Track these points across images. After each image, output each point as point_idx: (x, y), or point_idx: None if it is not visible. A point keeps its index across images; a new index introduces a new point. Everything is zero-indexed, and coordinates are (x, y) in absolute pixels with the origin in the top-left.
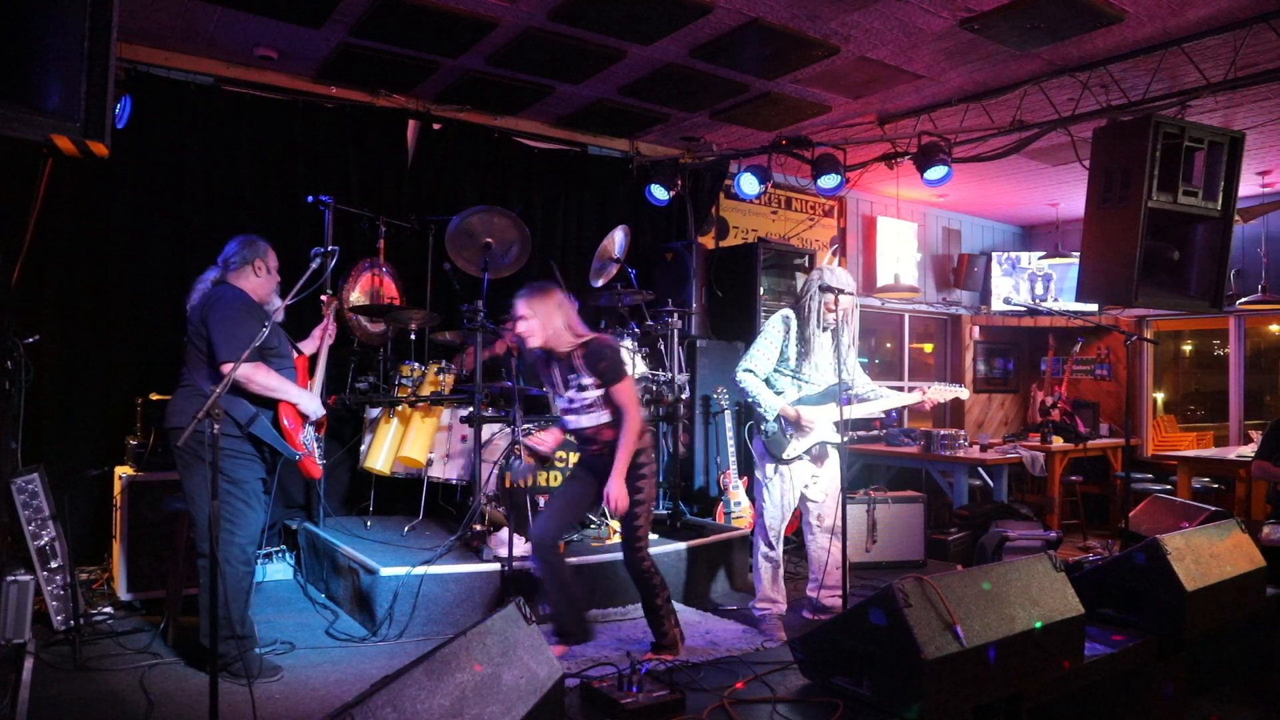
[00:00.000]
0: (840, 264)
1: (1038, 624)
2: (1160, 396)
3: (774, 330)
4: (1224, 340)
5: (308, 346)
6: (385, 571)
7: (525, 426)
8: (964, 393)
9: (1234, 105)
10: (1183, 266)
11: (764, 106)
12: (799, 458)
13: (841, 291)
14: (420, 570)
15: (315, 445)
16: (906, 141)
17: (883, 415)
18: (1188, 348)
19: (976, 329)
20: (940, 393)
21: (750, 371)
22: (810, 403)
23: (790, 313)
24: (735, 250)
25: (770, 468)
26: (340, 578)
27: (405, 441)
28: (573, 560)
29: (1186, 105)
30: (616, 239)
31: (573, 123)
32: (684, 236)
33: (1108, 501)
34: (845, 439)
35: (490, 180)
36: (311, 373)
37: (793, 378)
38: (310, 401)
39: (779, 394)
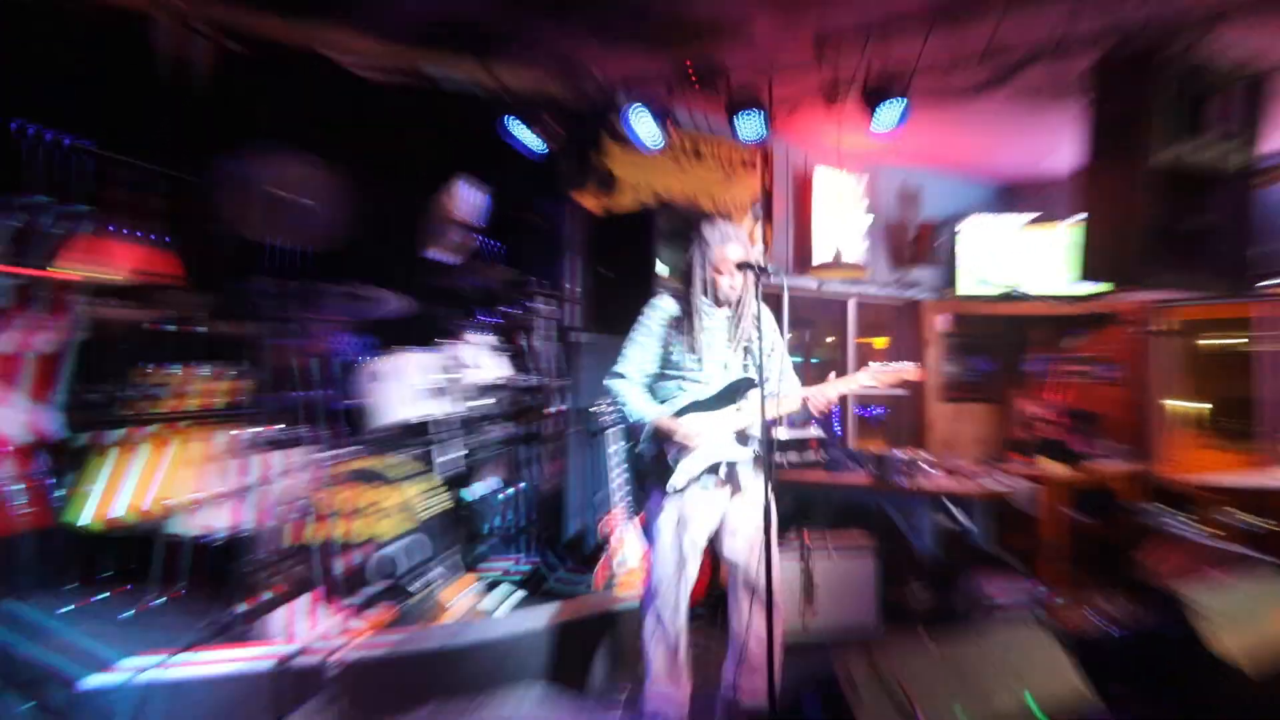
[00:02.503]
0: (766, 234)
1: (1033, 705)
2: (1185, 405)
3: (649, 321)
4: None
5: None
6: (97, 680)
7: (335, 453)
8: (911, 371)
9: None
10: (1205, 238)
11: (665, 25)
12: (693, 485)
13: (732, 243)
14: (149, 676)
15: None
16: (851, 71)
17: (818, 432)
18: (1215, 341)
19: (942, 319)
20: (881, 375)
21: (621, 376)
22: (701, 408)
23: (666, 297)
24: (627, 215)
25: (658, 504)
26: (25, 691)
27: (153, 480)
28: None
29: (1211, 31)
30: (459, 194)
31: (413, 40)
32: (559, 196)
33: (1116, 545)
34: (759, 452)
35: (297, 117)
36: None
37: (679, 380)
38: None
39: (663, 403)
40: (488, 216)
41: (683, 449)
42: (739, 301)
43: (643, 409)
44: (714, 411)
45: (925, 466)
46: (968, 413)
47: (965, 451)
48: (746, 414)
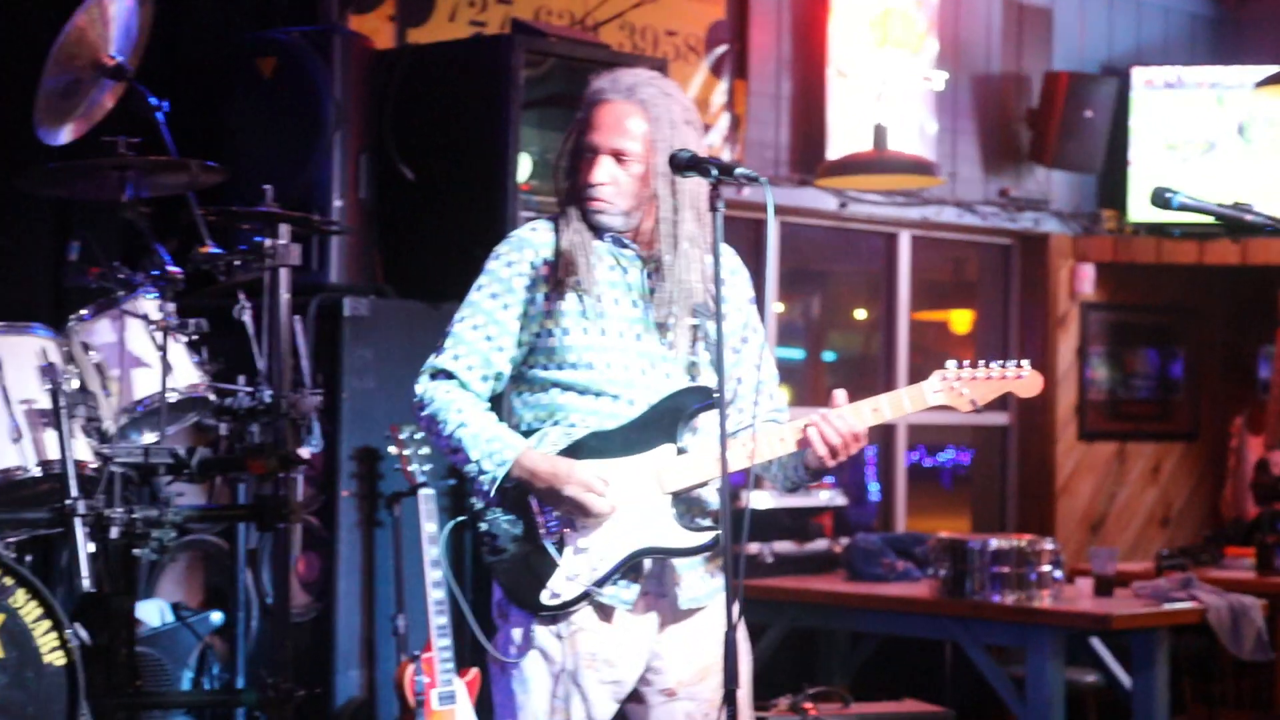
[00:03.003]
0: (737, 100)
1: None
2: None
3: (500, 271)
4: None
5: None
6: None
7: None
8: (1024, 381)
9: None
10: None
11: None
12: (586, 603)
13: (617, 95)
14: None
15: None
16: None
17: (832, 498)
18: None
19: (1087, 273)
20: (960, 388)
21: (444, 375)
22: (606, 448)
23: (540, 225)
24: (453, 55)
25: (520, 639)
26: None
27: None
28: None
29: None
30: (115, 5)
31: None
32: (307, 16)
33: None
34: (719, 536)
35: None
36: None
37: (563, 389)
38: None
39: (524, 427)
40: (167, 55)
41: (568, 523)
42: (673, 240)
43: (487, 440)
44: (629, 457)
45: (1050, 569)
46: (1134, 461)
47: (1130, 538)
48: (694, 460)
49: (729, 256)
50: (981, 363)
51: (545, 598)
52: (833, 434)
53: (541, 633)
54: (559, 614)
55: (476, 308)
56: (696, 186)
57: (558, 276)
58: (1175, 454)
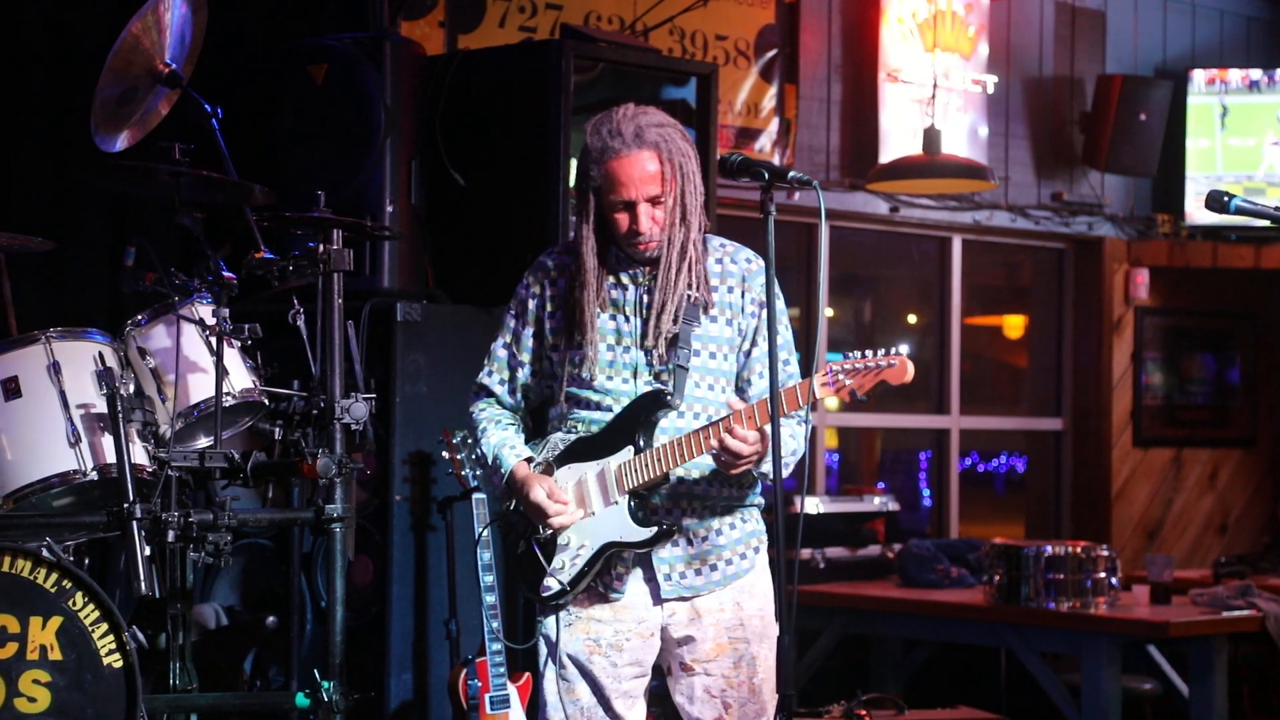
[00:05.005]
0: (788, 103)
1: None
2: None
3: (521, 292)
4: None
5: None
6: None
7: None
8: (895, 368)
9: None
10: None
11: None
12: (573, 594)
13: (628, 148)
14: None
15: None
16: None
17: (884, 503)
18: None
19: (1142, 277)
20: (841, 378)
21: (483, 391)
22: (589, 449)
23: (560, 250)
24: (503, 60)
25: (539, 640)
26: None
27: None
28: None
29: None
30: (170, 13)
31: None
32: (358, 22)
33: None
34: (672, 524)
35: None
36: None
37: (570, 398)
38: None
39: (535, 439)
40: (220, 62)
41: (534, 525)
42: (671, 253)
43: (497, 452)
44: (600, 460)
45: (1106, 576)
46: (1191, 467)
47: (1187, 544)
48: (644, 461)
49: (738, 256)
50: (856, 353)
51: (540, 589)
52: (738, 438)
53: (548, 622)
54: (556, 604)
55: (506, 328)
56: (702, 199)
57: (568, 302)
58: (1232, 460)
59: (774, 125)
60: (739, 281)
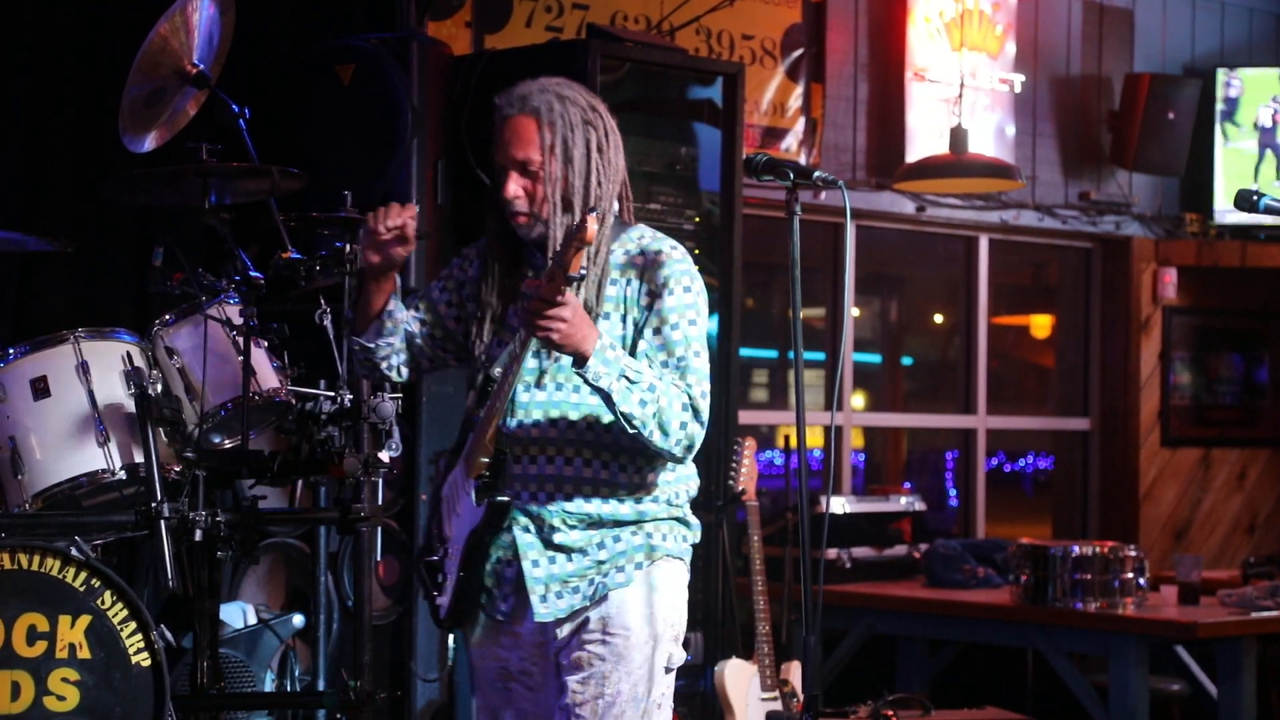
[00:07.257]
0: (815, 102)
1: None
2: None
3: (455, 258)
4: None
5: None
6: None
7: None
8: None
9: None
10: None
11: None
12: (482, 616)
13: (511, 109)
14: None
15: None
16: None
17: (910, 502)
18: None
19: (1171, 275)
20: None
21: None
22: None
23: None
24: (529, 60)
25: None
26: None
27: None
28: None
29: None
30: (198, 13)
31: None
32: (385, 23)
33: None
34: (511, 495)
35: None
36: None
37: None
38: None
39: None
40: (248, 63)
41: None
42: (555, 245)
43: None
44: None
45: (1134, 576)
46: (1219, 467)
47: (1215, 545)
48: (469, 450)
49: (650, 247)
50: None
51: (439, 613)
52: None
53: (471, 643)
54: (456, 627)
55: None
56: (611, 188)
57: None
58: (1261, 460)
59: (800, 124)
60: (638, 272)
